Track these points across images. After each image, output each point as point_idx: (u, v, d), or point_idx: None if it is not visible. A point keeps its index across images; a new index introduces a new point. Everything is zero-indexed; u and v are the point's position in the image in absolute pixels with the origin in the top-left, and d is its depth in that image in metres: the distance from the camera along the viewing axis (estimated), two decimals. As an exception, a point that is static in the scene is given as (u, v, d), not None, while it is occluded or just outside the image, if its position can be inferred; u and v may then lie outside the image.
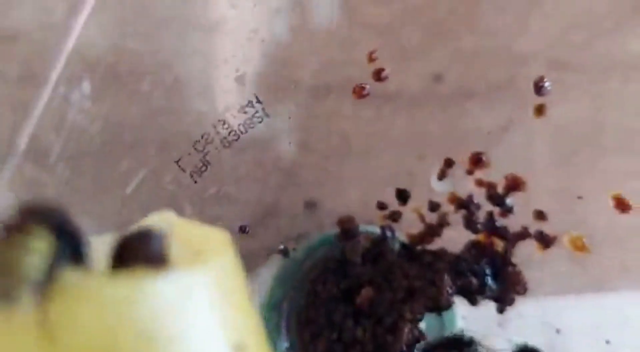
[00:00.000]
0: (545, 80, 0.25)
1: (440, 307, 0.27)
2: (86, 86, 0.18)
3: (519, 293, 0.27)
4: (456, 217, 0.30)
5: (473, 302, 0.28)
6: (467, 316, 0.30)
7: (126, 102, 0.20)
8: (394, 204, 0.30)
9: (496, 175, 0.29)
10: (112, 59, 0.19)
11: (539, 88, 0.25)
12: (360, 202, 0.33)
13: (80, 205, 0.20)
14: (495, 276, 0.27)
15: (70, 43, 0.17)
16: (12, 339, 0.12)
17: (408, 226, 0.30)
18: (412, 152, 0.31)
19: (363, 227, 0.31)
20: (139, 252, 0.14)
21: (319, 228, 0.33)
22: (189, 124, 0.22)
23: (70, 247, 0.13)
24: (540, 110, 0.26)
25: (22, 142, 0.17)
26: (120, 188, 0.21)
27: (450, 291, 0.27)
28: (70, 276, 0.13)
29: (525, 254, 0.29)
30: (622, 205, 0.25)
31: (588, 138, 0.31)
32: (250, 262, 0.20)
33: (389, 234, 0.30)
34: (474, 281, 0.27)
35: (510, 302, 0.28)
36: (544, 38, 0.31)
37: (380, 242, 0.30)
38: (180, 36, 0.23)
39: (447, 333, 0.29)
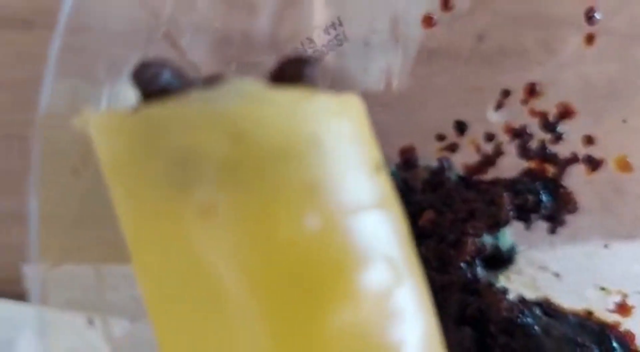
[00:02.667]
0: (595, 10, 0.28)
1: (500, 222, 0.29)
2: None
3: (570, 212, 0.30)
4: (508, 148, 0.32)
5: (528, 222, 0.30)
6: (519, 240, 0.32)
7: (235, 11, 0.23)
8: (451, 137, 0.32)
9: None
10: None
11: (589, 17, 0.28)
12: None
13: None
14: (549, 194, 0.30)
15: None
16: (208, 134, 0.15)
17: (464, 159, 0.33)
18: (456, 104, 0.34)
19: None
20: (296, 73, 0.16)
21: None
22: (283, 38, 0.25)
23: None
24: (590, 39, 0.29)
25: (162, 27, 0.19)
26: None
27: (509, 207, 0.29)
28: (253, 85, 0.15)
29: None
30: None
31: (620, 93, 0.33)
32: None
33: (446, 164, 0.32)
34: (530, 198, 0.29)
35: (562, 222, 0.31)
36: (576, 3, 0.33)
37: (438, 173, 0.32)
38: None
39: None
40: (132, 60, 0.18)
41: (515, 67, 0.33)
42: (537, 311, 0.29)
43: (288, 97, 0.15)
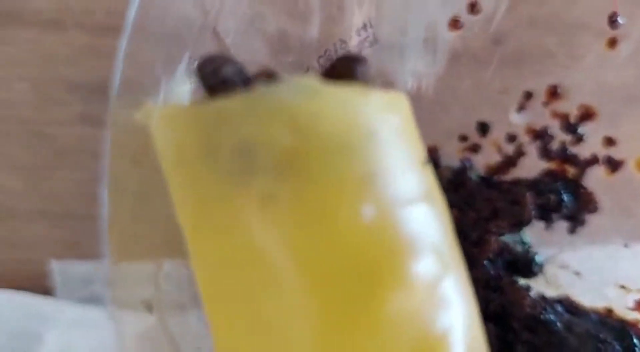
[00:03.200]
0: (618, 14, 0.29)
1: (523, 221, 0.30)
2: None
3: (591, 211, 0.31)
4: (529, 149, 0.33)
5: (548, 222, 0.31)
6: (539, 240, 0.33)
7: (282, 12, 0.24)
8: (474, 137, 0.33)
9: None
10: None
11: (612, 22, 0.29)
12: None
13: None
14: (570, 195, 0.31)
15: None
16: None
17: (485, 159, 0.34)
18: (479, 105, 0.35)
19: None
20: (348, 71, 0.17)
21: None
22: (319, 38, 0.26)
23: None
24: (612, 42, 0.29)
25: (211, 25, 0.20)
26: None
27: (531, 207, 0.30)
28: (312, 81, 0.16)
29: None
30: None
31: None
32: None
33: (467, 164, 0.33)
34: (553, 197, 0.30)
35: (582, 222, 0.31)
36: (593, 9, 0.34)
37: (460, 173, 0.33)
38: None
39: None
40: (184, 58, 0.19)
41: (536, 70, 0.34)
42: (559, 308, 0.29)
43: (345, 92, 0.16)
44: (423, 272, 0.16)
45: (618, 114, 0.32)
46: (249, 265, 0.16)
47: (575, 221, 0.31)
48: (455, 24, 0.29)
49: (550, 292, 0.31)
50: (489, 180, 0.33)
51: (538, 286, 0.31)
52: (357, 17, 0.27)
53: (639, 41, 0.31)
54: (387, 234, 0.16)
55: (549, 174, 0.32)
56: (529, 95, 0.31)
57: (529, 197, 0.30)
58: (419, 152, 0.17)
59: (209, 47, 0.21)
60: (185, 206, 0.17)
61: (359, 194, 0.16)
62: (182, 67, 0.19)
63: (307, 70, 0.26)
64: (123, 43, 0.17)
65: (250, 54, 0.24)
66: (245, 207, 0.16)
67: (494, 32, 0.33)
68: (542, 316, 0.28)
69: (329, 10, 0.26)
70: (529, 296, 0.29)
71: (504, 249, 0.30)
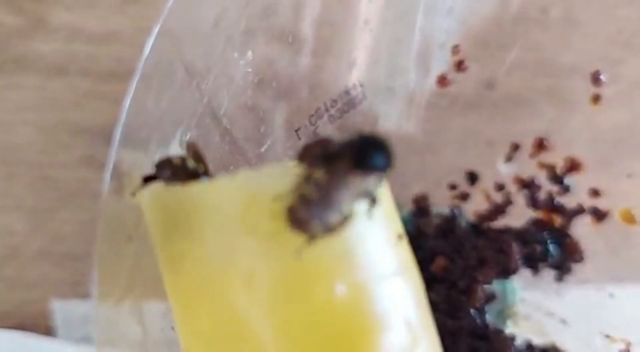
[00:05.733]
0: (601, 73, 0.30)
1: (509, 271, 0.31)
2: (250, 54, 0.23)
3: (576, 261, 0.32)
4: (517, 198, 0.34)
5: (535, 270, 0.32)
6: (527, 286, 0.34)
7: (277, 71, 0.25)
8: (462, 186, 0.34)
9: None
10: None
11: (596, 79, 0.30)
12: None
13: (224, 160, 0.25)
14: (555, 244, 0.31)
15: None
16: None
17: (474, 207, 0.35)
18: (468, 150, 0.36)
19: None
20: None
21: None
22: (309, 98, 0.27)
23: None
24: (596, 99, 0.30)
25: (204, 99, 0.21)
26: (256, 147, 0.26)
27: (517, 257, 0.31)
28: (290, 167, 0.17)
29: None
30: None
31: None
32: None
33: (457, 212, 0.34)
34: (538, 248, 0.31)
35: (568, 270, 0.32)
36: (584, 53, 0.35)
37: (449, 220, 0.34)
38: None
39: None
40: (178, 134, 0.20)
41: (525, 116, 0.35)
42: (544, 358, 0.30)
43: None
44: (394, 345, 0.17)
45: (606, 162, 0.33)
46: (234, 337, 0.17)
47: (562, 269, 0.32)
48: (443, 81, 0.30)
49: (537, 340, 0.31)
50: (478, 227, 0.33)
51: (524, 334, 0.32)
52: (347, 78, 0.28)
53: (629, 81, 0.32)
54: (360, 309, 0.17)
55: (536, 223, 0.33)
56: (516, 147, 0.32)
57: (515, 248, 0.31)
58: (395, 226, 0.18)
59: (203, 124, 0.22)
60: (173, 279, 0.18)
61: (334, 273, 0.17)
62: (175, 142, 0.20)
63: (298, 129, 0.27)
64: (119, 129, 0.18)
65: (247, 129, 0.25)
66: (230, 285, 0.17)
67: (484, 75, 0.34)
68: (526, 366, 0.29)
69: (320, 72, 0.27)
70: (514, 345, 0.30)
71: (490, 298, 0.31)
